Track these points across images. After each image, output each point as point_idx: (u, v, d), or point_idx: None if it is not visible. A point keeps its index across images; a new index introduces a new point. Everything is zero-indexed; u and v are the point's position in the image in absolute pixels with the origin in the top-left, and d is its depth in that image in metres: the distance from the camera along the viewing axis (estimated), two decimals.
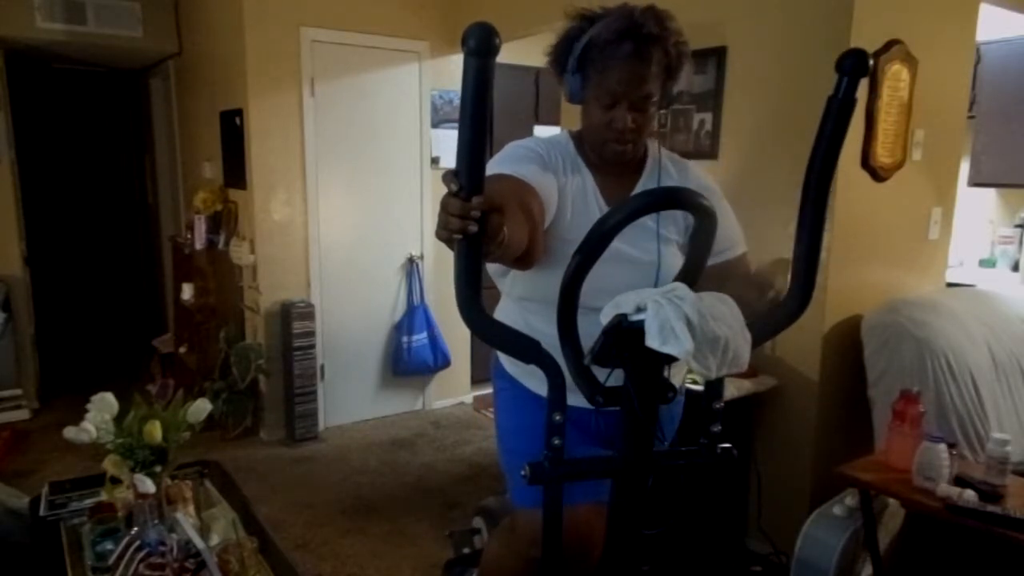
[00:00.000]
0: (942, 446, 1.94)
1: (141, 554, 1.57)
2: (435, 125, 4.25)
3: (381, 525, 3.01)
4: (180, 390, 2.03)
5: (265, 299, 3.84)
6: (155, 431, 1.70)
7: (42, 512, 1.98)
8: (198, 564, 1.55)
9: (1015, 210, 4.05)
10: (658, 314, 0.99)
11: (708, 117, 2.78)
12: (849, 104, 1.07)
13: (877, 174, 2.56)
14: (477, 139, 0.88)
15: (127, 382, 3.51)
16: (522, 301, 1.51)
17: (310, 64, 3.80)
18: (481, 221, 0.91)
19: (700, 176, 1.53)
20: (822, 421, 2.58)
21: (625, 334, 1.04)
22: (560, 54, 1.41)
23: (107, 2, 4.16)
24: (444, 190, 0.92)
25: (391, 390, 4.34)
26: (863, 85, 2.09)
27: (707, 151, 2.78)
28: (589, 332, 1.08)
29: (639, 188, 1.48)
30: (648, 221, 1.41)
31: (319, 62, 3.82)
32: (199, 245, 4.18)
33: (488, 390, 1.81)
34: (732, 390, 2.40)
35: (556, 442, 1.12)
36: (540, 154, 1.43)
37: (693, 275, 1.19)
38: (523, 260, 1.22)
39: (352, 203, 4.07)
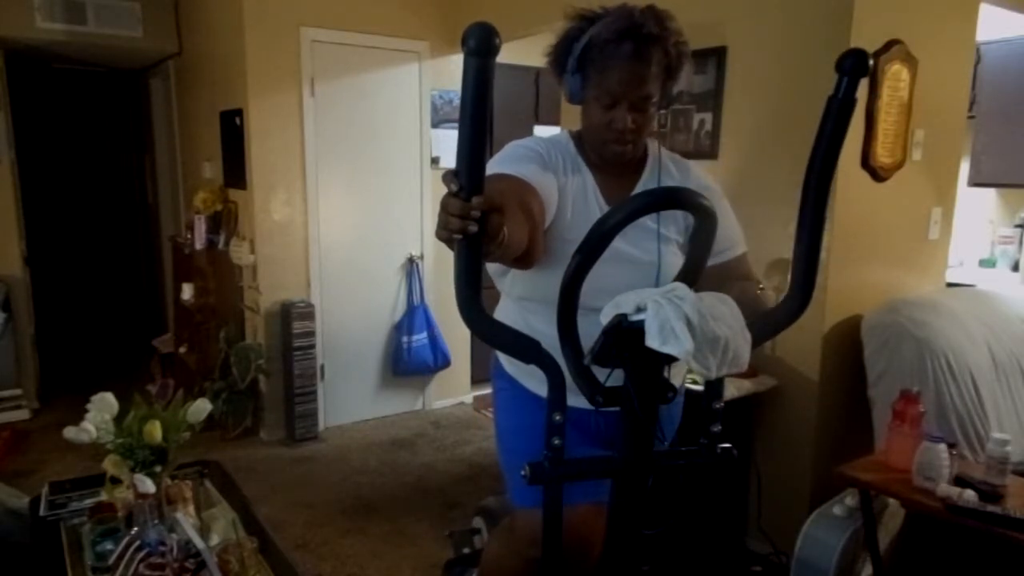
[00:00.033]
0: (942, 446, 1.94)
1: (141, 554, 1.57)
2: (435, 125, 4.25)
3: (381, 525, 3.01)
4: (180, 390, 2.03)
5: (265, 299, 3.84)
6: (155, 431, 1.70)
7: (42, 512, 1.98)
8: (198, 564, 1.55)
9: (1015, 210, 4.05)
10: (658, 314, 0.99)
11: (708, 117, 2.78)
12: (849, 104, 1.07)
13: (877, 174, 2.56)
14: (477, 139, 0.88)
15: (127, 382, 3.51)
16: (522, 301, 1.51)
17: (310, 64, 3.80)
18: (481, 221, 0.91)
19: (701, 176, 1.53)
20: (822, 421, 2.58)
21: (625, 334, 1.04)
22: (560, 54, 1.41)
23: (107, 2, 4.16)
24: (444, 190, 0.92)
25: (391, 390, 4.34)
26: (863, 85, 2.09)
27: (707, 151, 2.78)
28: (589, 332, 1.08)
29: (639, 188, 1.48)
30: (648, 221, 1.41)
31: (319, 62, 3.82)
32: (199, 245, 4.19)
33: (488, 390, 1.81)
34: (732, 390, 2.40)
35: (556, 442, 1.12)
36: (540, 154, 1.43)
37: (693, 275, 1.19)
38: (523, 260, 1.22)
39: (352, 203, 4.07)
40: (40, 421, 4.14)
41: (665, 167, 1.50)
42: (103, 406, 1.74)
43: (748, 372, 2.45)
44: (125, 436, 1.72)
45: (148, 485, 1.67)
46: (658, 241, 1.43)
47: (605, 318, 1.06)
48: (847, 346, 2.58)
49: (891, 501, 2.28)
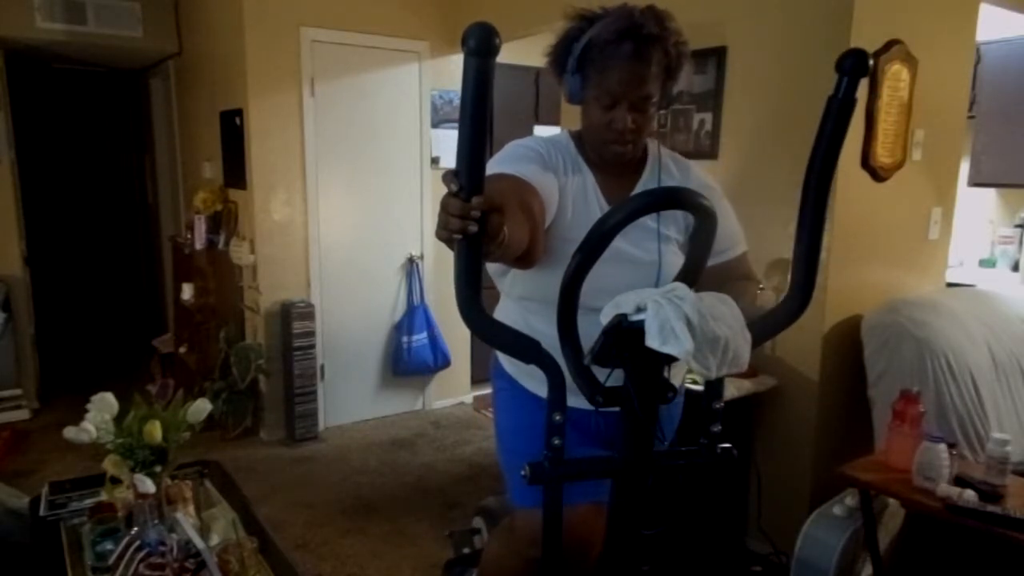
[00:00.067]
0: (942, 446, 1.94)
1: (141, 554, 1.57)
2: (435, 125, 4.25)
3: (381, 525, 3.01)
4: (180, 390, 2.03)
5: (265, 299, 3.84)
6: (155, 431, 1.70)
7: (42, 512, 1.98)
8: (198, 564, 1.55)
9: (1015, 210, 4.05)
10: (658, 314, 0.99)
11: (708, 117, 2.78)
12: (849, 104, 1.07)
13: (877, 174, 2.56)
14: (477, 139, 0.88)
15: (127, 382, 3.51)
16: (522, 301, 1.51)
17: (310, 64, 3.80)
18: (481, 221, 0.90)
19: (701, 175, 1.53)
20: (822, 421, 2.58)
21: (625, 334, 1.04)
22: (559, 55, 1.41)
23: (107, 2, 4.16)
24: (444, 190, 0.92)
25: (391, 390, 4.34)
26: (863, 85, 2.09)
27: (707, 151, 2.78)
28: (589, 332, 1.08)
29: (640, 187, 1.48)
30: (649, 221, 1.41)
31: (319, 62, 3.82)
32: (199, 245, 4.19)
33: (488, 390, 1.81)
34: (732, 390, 2.40)
35: (556, 442, 1.12)
36: (541, 153, 1.43)
37: (693, 275, 1.19)
38: (524, 259, 1.22)
39: (352, 203, 4.07)
40: (40, 421, 4.14)
41: (665, 166, 1.50)
42: (103, 406, 1.74)
43: (748, 372, 2.45)
44: (125, 436, 1.72)
45: (148, 485, 1.67)
46: (658, 241, 1.43)
47: (605, 318, 1.06)
48: (847, 346, 2.57)
49: (891, 501, 2.28)
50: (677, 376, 1.44)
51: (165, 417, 1.75)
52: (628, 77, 1.33)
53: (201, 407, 1.82)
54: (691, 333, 0.97)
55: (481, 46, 0.84)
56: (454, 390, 4.60)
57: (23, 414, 4.17)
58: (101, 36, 4.20)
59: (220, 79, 4.01)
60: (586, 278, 1.06)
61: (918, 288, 2.85)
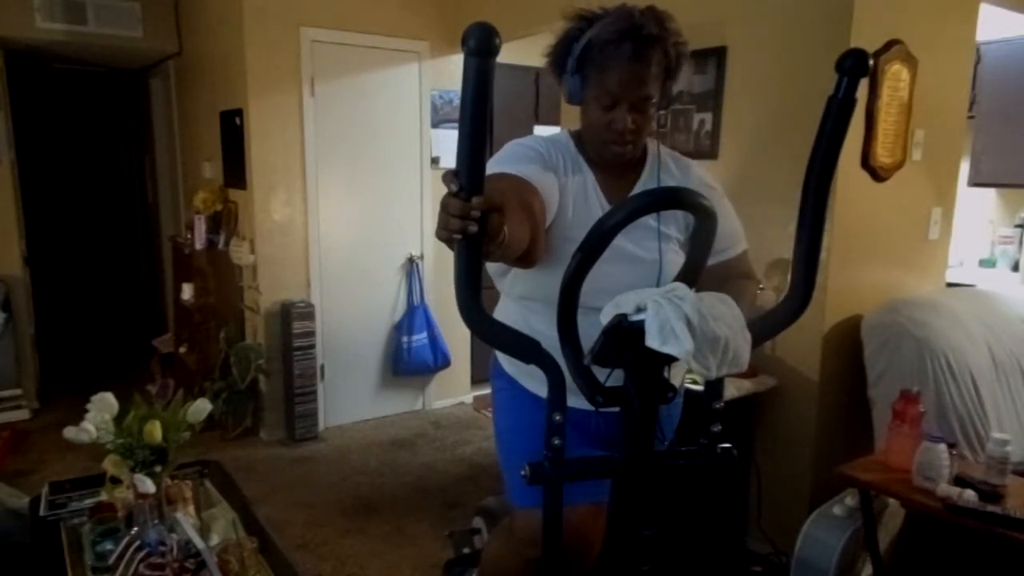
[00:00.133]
0: (942, 446, 1.94)
1: (141, 554, 1.57)
2: (435, 125, 4.25)
3: (381, 525, 3.01)
4: (180, 390, 2.03)
5: (265, 299, 3.84)
6: (155, 431, 1.70)
7: (42, 512, 1.98)
8: (198, 564, 1.55)
9: (1015, 210, 4.05)
10: (658, 314, 0.99)
11: (708, 117, 2.78)
12: (849, 104, 1.07)
13: (877, 174, 2.56)
14: (477, 139, 0.88)
15: (127, 382, 3.50)
16: (522, 300, 1.51)
17: (310, 64, 3.80)
18: (481, 221, 0.90)
19: (701, 174, 1.53)
20: (822, 421, 2.58)
21: (625, 334, 1.04)
22: (559, 55, 1.41)
23: (107, 2, 4.16)
24: (444, 190, 0.92)
25: (391, 390, 4.34)
26: (863, 85, 2.09)
27: (707, 151, 2.78)
28: (589, 332, 1.08)
29: (640, 186, 1.48)
30: (650, 220, 1.41)
31: (319, 62, 3.82)
32: (199, 245, 4.19)
33: (488, 390, 1.81)
34: (732, 390, 2.40)
35: (556, 442, 1.12)
36: (541, 153, 1.43)
37: (693, 275, 1.19)
38: (525, 259, 1.22)
39: (352, 203, 4.07)
40: (40, 421, 4.14)
41: (665, 165, 1.50)
42: (103, 406, 1.74)
43: (748, 372, 2.45)
44: (125, 436, 1.72)
45: (148, 485, 1.67)
46: (659, 240, 1.43)
47: (605, 318, 1.06)
48: (847, 346, 2.57)
49: (891, 501, 2.28)
50: (677, 376, 1.44)
51: (165, 417, 1.75)
52: (628, 77, 1.33)
53: (201, 407, 1.82)
54: (691, 333, 0.97)
55: (481, 46, 0.84)
56: (454, 390, 4.61)
57: (23, 414, 4.17)
58: (101, 36, 4.20)
59: (220, 79, 4.01)
60: (587, 277, 1.06)
61: (918, 288, 2.85)
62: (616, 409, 1.14)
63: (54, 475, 3.02)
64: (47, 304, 4.97)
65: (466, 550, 2.40)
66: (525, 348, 1.09)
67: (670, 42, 1.35)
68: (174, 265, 4.85)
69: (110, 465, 1.77)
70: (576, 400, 1.15)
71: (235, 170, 3.91)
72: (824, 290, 2.48)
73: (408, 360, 4.21)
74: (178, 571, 1.53)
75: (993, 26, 3.18)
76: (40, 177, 5.28)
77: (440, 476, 3.52)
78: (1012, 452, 1.94)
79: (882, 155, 2.55)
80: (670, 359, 1.05)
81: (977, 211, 4.02)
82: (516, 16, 3.60)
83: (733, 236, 1.50)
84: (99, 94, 5.78)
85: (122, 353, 5.52)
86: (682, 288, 1.03)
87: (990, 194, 4.06)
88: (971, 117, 3.35)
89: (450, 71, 4.24)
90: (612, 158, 1.44)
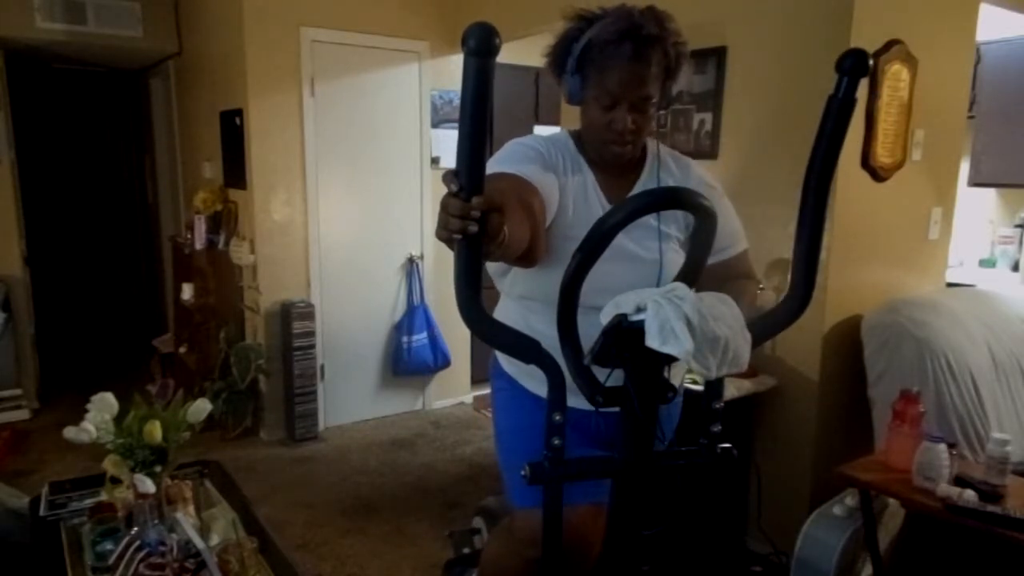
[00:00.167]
0: (942, 446, 1.94)
1: (141, 554, 1.57)
2: (435, 125, 4.25)
3: (381, 525, 3.01)
4: (180, 390, 2.03)
5: (265, 299, 3.84)
6: (155, 431, 1.70)
7: (42, 512, 1.98)
8: (198, 564, 1.55)
9: (1015, 210, 4.05)
10: (658, 314, 0.99)
11: (708, 117, 2.78)
12: (849, 104, 1.07)
13: (877, 174, 2.56)
14: (477, 139, 0.88)
15: (127, 382, 3.50)
16: (523, 300, 1.51)
17: (310, 64, 3.80)
18: (481, 221, 0.90)
19: (701, 173, 1.53)
20: (822, 421, 2.58)
21: (625, 334, 1.04)
22: (559, 55, 1.41)
23: (107, 2, 4.16)
24: (444, 190, 0.92)
25: (391, 390, 4.34)
26: (863, 85, 2.09)
27: (707, 151, 2.78)
28: (589, 332, 1.08)
29: (640, 186, 1.48)
30: (651, 219, 1.41)
31: (319, 62, 3.82)
32: (199, 245, 4.19)
33: (488, 390, 1.81)
34: (732, 390, 2.40)
35: (556, 442, 1.12)
36: (541, 152, 1.43)
37: (693, 275, 1.19)
38: (525, 259, 1.22)
39: (352, 203, 4.07)
40: (40, 421, 4.14)
41: (665, 164, 1.50)
42: (103, 406, 1.74)
43: (748, 372, 2.45)
44: (125, 436, 1.72)
45: (148, 485, 1.67)
46: (659, 239, 1.43)
47: (605, 318, 1.06)
48: (847, 346, 2.57)
49: (891, 501, 2.28)
50: (677, 376, 1.44)
51: (165, 417, 1.75)
52: (628, 78, 1.33)
53: (201, 407, 1.82)
54: (691, 333, 0.97)
55: (481, 46, 0.84)
56: (454, 390, 4.61)
57: (23, 414, 4.17)
58: (101, 36, 4.20)
59: (220, 79, 4.01)
60: (587, 277, 1.06)
61: (918, 288, 2.85)
62: (616, 409, 1.14)
63: (54, 475, 3.02)
64: (47, 304, 4.97)
65: (466, 550, 2.40)
66: (525, 348, 1.09)
67: (670, 42, 1.35)
68: (174, 265, 4.85)
69: (110, 465, 1.77)
70: (576, 400, 1.15)
71: (235, 170, 3.91)
72: (824, 290, 2.48)
73: (408, 360, 4.21)
74: (178, 571, 1.53)
75: (993, 26, 3.18)
76: (40, 177, 5.28)
77: (440, 476, 3.52)
78: (1012, 452, 1.94)
79: (882, 155, 2.55)
80: (670, 359, 1.05)
81: (977, 211, 4.02)
82: (516, 16, 3.60)
83: (733, 235, 1.50)
84: (99, 94, 5.78)
85: (122, 353, 5.52)
86: (682, 288, 1.03)
87: (990, 194, 4.06)
88: (971, 117, 3.35)
89: (450, 71, 4.24)
90: (612, 158, 1.44)
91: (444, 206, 0.90)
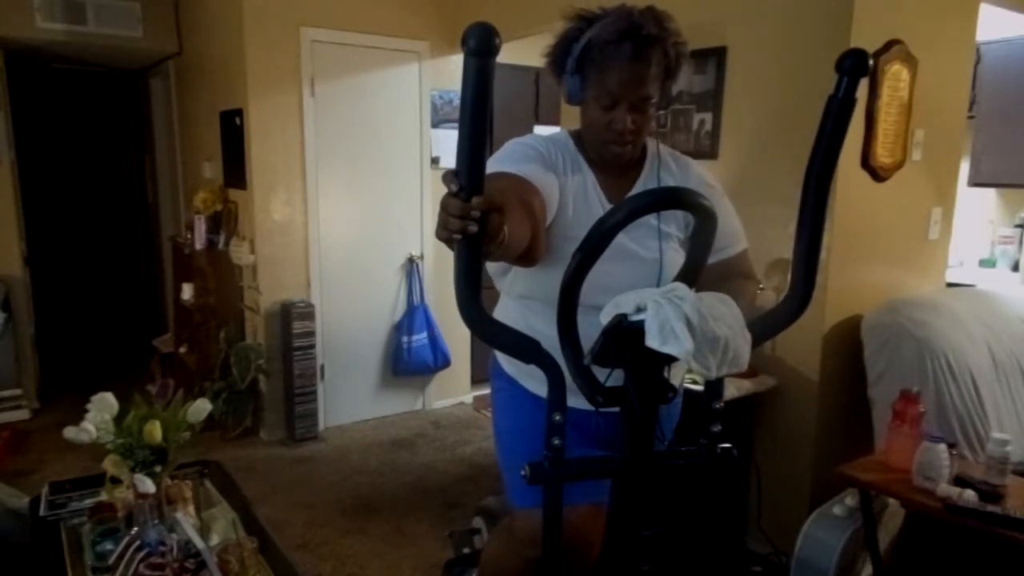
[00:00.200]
0: (942, 446, 1.94)
1: (141, 554, 1.57)
2: (435, 125, 4.25)
3: (381, 525, 3.01)
4: (180, 390, 2.03)
5: (265, 299, 3.84)
6: (155, 431, 1.70)
7: (42, 512, 1.98)
8: (198, 564, 1.55)
9: (1015, 210, 4.05)
10: (658, 314, 0.99)
11: (708, 117, 2.78)
12: (849, 104, 1.07)
13: (877, 174, 2.56)
14: (477, 139, 0.88)
15: (127, 382, 3.50)
16: (523, 300, 1.51)
17: (310, 64, 3.80)
18: (481, 221, 0.90)
19: (701, 173, 1.53)
20: (822, 421, 2.58)
21: (625, 334, 1.04)
22: (558, 55, 1.41)
23: (107, 2, 4.16)
24: (444, 190, 0.92)
25: (391, 390, 4.34)
26: (863, 85, 2.09)
27: (707, 151, 2.78)
28: (589, 332, 1.08)
29: (640, 185, 1.48)
30: (650, 219, 1.41)
31: (319, 62, 3.82)
32: (199, 245, 4.19)
33: (488, 390, 1.81)
34: (732, 390, 2.40)
35: (556, 442, 1.12)
36: (541, 152, 1.43)
37: (693, 274, 1.19)
38: (526, 258, 1.22)
39: (352, 203, 4.07)
40: (40, 421, 4.14)
41: (665, 164, 1.50)
42: (103, 406, 1.74)
43: (748, 372, 2.45)
44: (125, 436, 1.72)
45: (148, 485, 1.67)
46: (659, 239, 1.43)
47: (605, 318, 1.06)
48: (847, 346, 2.57)
49: (891, 501, 2.28)
50: (677, 376, 1.44)
51: (165, 417, 1.75)
52: (628, 78, 1.33)
53: (201, 407, 1.82)
54: (691, 333, 0.97)
55: (481, 46, 0.84)
56: (454, 390, 4.60)
57: (23, 414, 4.17)
58: (101, 36, 4.20)
59: (220, 79, 4.01)
60: (589, 276, 1.06)
61: (918, 288, 2.85)
62: (616, 409, 1.14)
63: (54, 475, 3.02)
64: (47, 304, 4.97)
65: (466, 550, 2.40)
66: (525, 348, 1.09)
67: (670, 42, 1.35)
68: (174, 265, 4.85)
69: (110, 465, 1.77)
70: (576, 400, 1.15)
71: (235, 170, 3.91)
72: (824, 290, 2.48)
73: (408, 360, 4.21)
74: (178, 571, 1.53)
75: (993, 26, 3.18)
76: (40, 177, 5.28)
77: (440, 476, 3.52)
78: (1012, 452, 1.94)
79: (882, 155, 2.55)
80: (670, 359, 1.05)
81: (977, 211, 4.02)
82: (516, 16, 3.60)
83: (733, 235, 1.50)
84: (99, 94, 5.78)
85: (122, 353, 5.52)
86: (682, 288, 1.03)
87: (990, 194, 4.06)
88: (971, 117, 3.35)
89: (450, 71, 4.24)
90: (612, 158, 1.44)
91: (444, 206, 0.90)
